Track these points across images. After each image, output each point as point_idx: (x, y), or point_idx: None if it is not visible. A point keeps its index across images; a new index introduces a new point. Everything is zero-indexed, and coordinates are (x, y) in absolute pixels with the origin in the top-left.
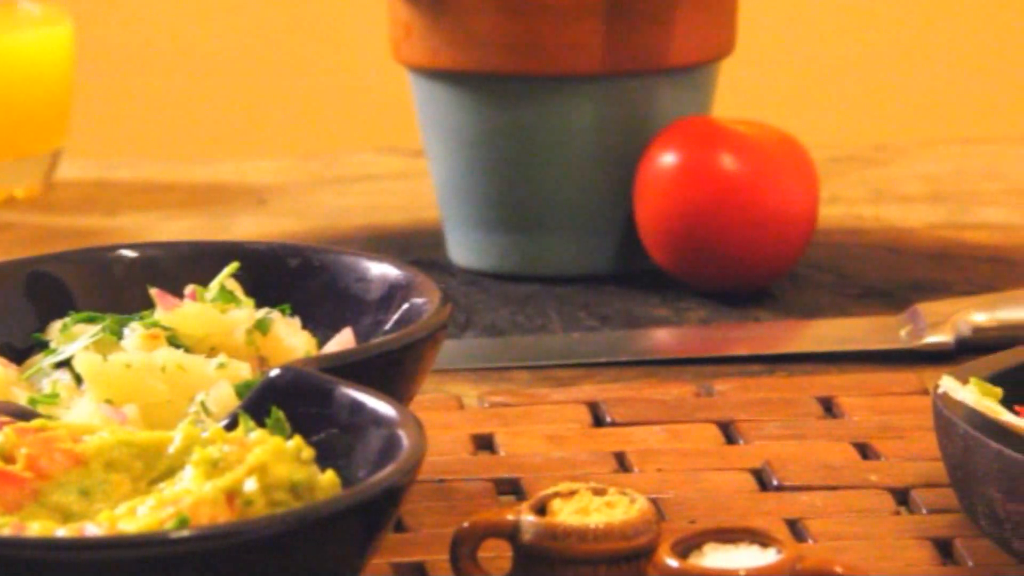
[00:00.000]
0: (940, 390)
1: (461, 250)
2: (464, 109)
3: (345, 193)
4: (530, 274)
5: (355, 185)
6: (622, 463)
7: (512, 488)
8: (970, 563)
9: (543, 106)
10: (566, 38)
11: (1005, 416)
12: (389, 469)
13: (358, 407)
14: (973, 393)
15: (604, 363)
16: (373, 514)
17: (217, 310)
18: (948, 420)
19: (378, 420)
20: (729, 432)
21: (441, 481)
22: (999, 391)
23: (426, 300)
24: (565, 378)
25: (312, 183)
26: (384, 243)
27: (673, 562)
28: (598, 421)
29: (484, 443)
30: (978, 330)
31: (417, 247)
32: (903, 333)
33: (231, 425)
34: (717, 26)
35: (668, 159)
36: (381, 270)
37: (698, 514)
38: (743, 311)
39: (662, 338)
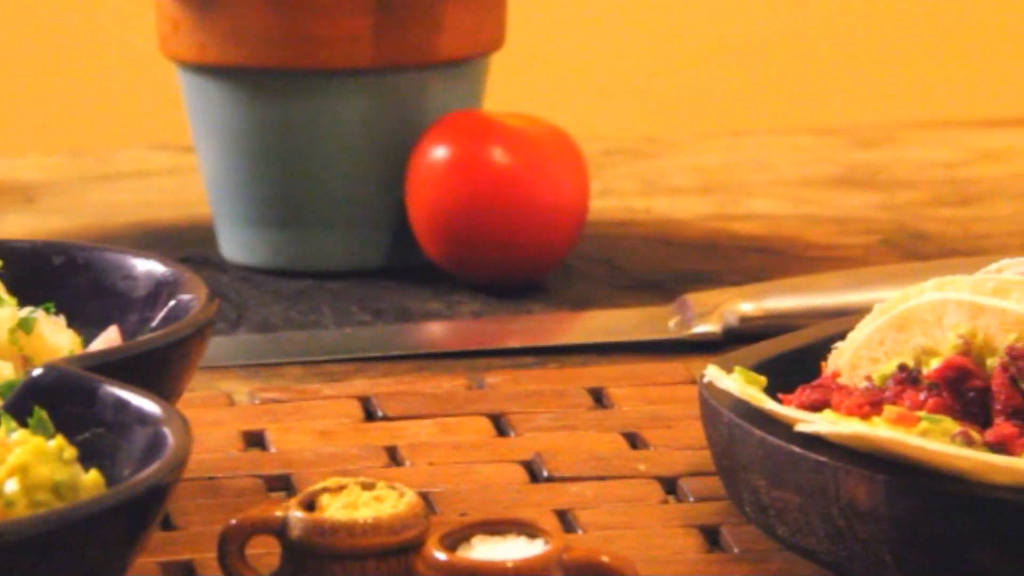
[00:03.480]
0: (705, 379)
1: (233, 246)
2: (233, 104)
3: (115, 190)
4: (302, 269)
5: (125, 182)
6: (393, 457)
7: (283, 484)
8: (736, 549)
9: (313, 101)
10: (335, 32)
11: (768, 404)
12: (153, 467)
13: (122, 406)
14: (737, 382)
15: (376, 358)
16: (137, 513)
17: None
18: (713, 409)
19: (143, 418)
20: (500, 424)
21: (211, 479)
22: (763, 380)
23: (193, 297)
24: (337, 373)
25: (82, 180)
26: (155, 240)
27: (441, 555)
28: (370, 416)
29: (254, 440)
30: (745, 320)
31: (188, 244)
32: (672, 324)
33: None
34: (487, 20)
35: (439, 153)
36: (147, 267)
37: (469, 507)
38: (515, 304)
39: (434, 332)
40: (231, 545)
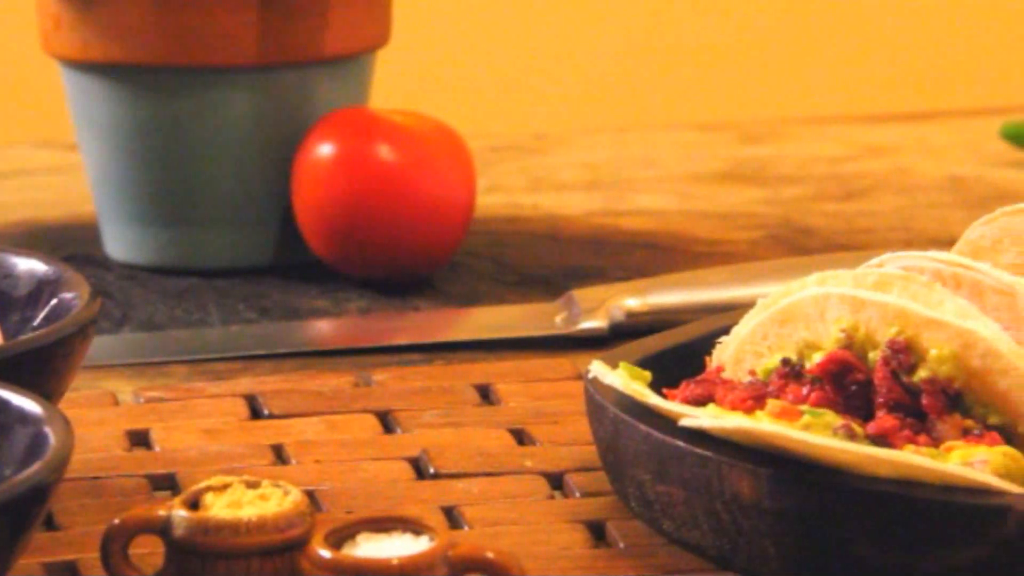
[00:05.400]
0: (591, 375)
1: (118, 244)
2: (117, 102)
3: None
4: (188, 267)
5: (8, 180)
6: (280, 455)
7: (168, 484)
8: (622, 544)
9: (197, 98)
10: (219, 29)
11: (653, 399)
12: (35, 467)
13: (3, 405)
14: (622, 377)
15: (262, 356)
16: (19, 513)
17: None
18: (599, 404)
19: (24, 418)
20: (387, 421)
21: (95, 478)
22: (648, 375)
23: (76, 295)
24: (223, 371)
25: None
26: (39, 239)
27: (326, 553)
28: (256, 414)
29: (139, 439)
30: (631, 315)
31: (73, 242)
32: (559, 319)
33: None
34: (372, 16)
35: (324, 150)
36: (29, 266)
37: (356, 504)
38: (402, 300)
39: (321, 329)
40: (114, 545)
